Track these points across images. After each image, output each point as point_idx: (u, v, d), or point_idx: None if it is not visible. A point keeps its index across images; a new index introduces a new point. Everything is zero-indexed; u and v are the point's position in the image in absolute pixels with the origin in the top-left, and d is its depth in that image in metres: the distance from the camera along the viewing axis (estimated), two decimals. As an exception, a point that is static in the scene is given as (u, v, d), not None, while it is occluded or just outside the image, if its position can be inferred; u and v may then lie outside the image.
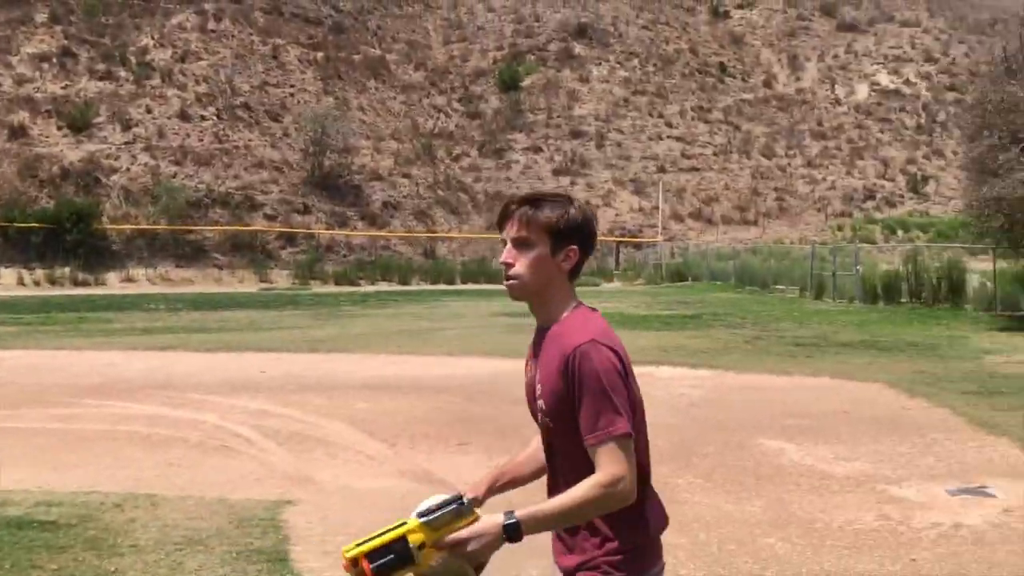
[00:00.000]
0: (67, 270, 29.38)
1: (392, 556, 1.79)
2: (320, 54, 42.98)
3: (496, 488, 2.19)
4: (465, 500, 1.88)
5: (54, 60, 36.31)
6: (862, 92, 50.23)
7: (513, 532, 1.82)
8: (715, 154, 44.46)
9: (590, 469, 1.88)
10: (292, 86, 40.36)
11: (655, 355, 11.65)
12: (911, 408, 8.46)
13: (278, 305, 22.15)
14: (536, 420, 2.06)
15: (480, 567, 1.88)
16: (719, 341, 13.75)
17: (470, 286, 31.77)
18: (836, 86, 50.55)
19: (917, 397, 8.92)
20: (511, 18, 51.18)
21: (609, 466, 1.83)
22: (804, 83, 50.92)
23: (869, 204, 42.59)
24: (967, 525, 4.93)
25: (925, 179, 43.94)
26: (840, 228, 39.87)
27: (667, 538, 5.10)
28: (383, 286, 31.49)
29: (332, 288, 30.24)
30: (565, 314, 2.00)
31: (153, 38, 38.95)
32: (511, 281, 2.02)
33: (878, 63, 52.23)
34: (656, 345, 12.86)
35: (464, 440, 7.01)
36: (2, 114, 33.22)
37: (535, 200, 2.03)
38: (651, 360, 10.91)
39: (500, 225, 2.05)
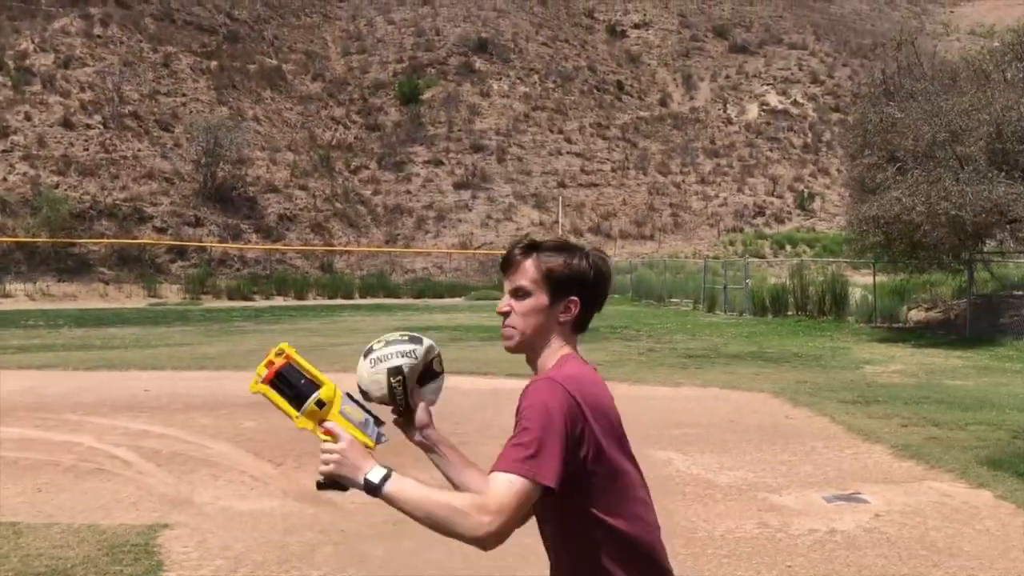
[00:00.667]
0: (-62, 285, 27.78)
1: (295, 387, 1.77)
2: (214, 63, 41.95)
3: (435, 446, 1.98)
4: (383, 430, 1.83)
5: (-75, 63, 34.45)
6: (752, 112, 52.06)
7: (371, 488, 1.70)
8: (613, 170, 45.30)
9: (580, 535, 1.75)
10: (184, 95, 39.25)
11: (550, 368, 11.68)
12: (794, 417, 8.73)
13: (167, 321, 21.42)
14: None
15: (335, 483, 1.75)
16: (614, 353, 13.94)
17: (368, 300, 31.41)
18: (728, 106, 52.25)
19: (800, 406, 9.22)
20: (411, 31, 51.11)
21: (489, 495, 1.64)
22: (698, 102, 52.45)
23: (759, 220, 44.08)
24: (841, 531, 5.09)
25: (811, 196, 45.79)
26: (732, 243, 41.14)
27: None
28: (278, 301, 30.84)
29: (225, 303, 29.43)
30: (551, 366, 1.85)
31: (33, 42, 37.30)
32: (505, 330, 1.89)
33: (767, 84, 54.26)
34: (552, 358, 12.92)
35: (353, 457, 6.88)
36: None
37: (536, 247, 1.90)
38: (546, 373, 10.96)
39: (503, 271, 1.92)
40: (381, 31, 51.29)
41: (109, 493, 5.90)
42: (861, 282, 21.31)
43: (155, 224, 32.99)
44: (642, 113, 50.41)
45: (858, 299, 19.85)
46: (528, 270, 1.87)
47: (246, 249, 34.07)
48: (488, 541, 1.63)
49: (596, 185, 43.91)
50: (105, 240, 31.29)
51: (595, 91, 50.86)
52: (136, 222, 32.64)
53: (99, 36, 39.36)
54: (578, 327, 1.90)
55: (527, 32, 52.96)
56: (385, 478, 1.69)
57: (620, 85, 52.23)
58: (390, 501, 1.69)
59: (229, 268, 33.08)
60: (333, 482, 1.74)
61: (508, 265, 1.91)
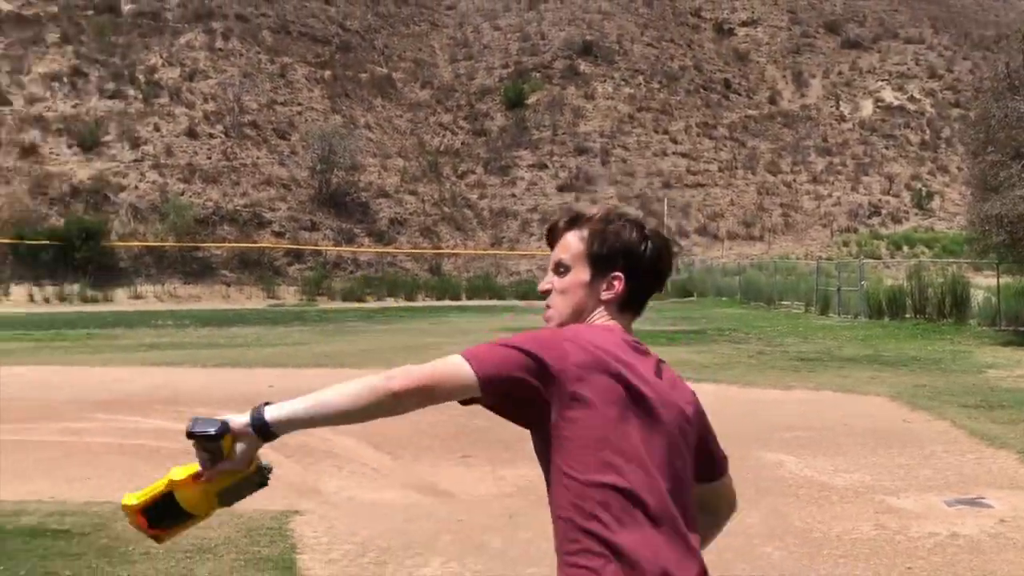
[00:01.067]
0: (76, 287, 29.59)
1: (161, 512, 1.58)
2: (327, 72, 43.34)
3: None
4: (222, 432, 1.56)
5: (64, 79, 36.69)
6: (867, 108, 50.41)
7: (256, 418, 1.55)
8: (720, 170, 44.64)
9: (564, 500, 1.57)
10: (300, 104, 40.69)
11: (659, 370, 11.71)
12: (912, 421, 8.53)
13: (285, 321, 22.28)
14: None
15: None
16: (723, 356, 13.82)
17: (475, 302, 31.88)
18: (841, 103, 50.76)
19: (918, 410, 8.98)
20: (516, 36, 51.56)
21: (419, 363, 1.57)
22: (809, 100, 51.14)
23: (874, 220, 42.67)
24: (963, 535, 5.00)
25: (930, 195, 44.03)
26: (845, 244, 39.96)
27: (665, 546, 5.11)
28: (389, 302, 31.63)
29: (339, 304, 30.39)
30: None
31: (162, 57, 39.33)
32: (546, 312, 1.75)
33: (883, 80, 52.44)
34: (660, 360, 12.94)
35: (467, 452, 7.10)
36: (14, 133, 33.58)
37: (577, 218, 1.76)
38: (655, 375, 11.01)
39: (548, 244, 1.80)
40: (487, 37, 51.94)
41: (243, 481, 6.27)
42: (984, 284, 20.45)
43: (273, 229, 34.37)
44: (750, 112, 49.49)
45: (980, 301, 19.06)
46: (569, 243, 1.73)
47: (359, 252, 35.10)
48: (387, 387, 1.52)
49: (703, 185, 43.36)
50: (227, 244, 32.79)
51: (701, 90, 50.22)
52: (256, 227, 34.07)
53: (220, 49, 41.22)
54: (627, 307, 1.72)
55: (632, 33, 52.71)
56: (260, 414, 1.54)
57: (727, 84, 51.41)
58: (282, 421, 1.53)
59: (343, 271, 34.17)
60: (233, 490, 1.61)
61: (552, 237, 1.78)
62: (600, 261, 1.70)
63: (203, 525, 5.05)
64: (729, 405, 9.59)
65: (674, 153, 44.91)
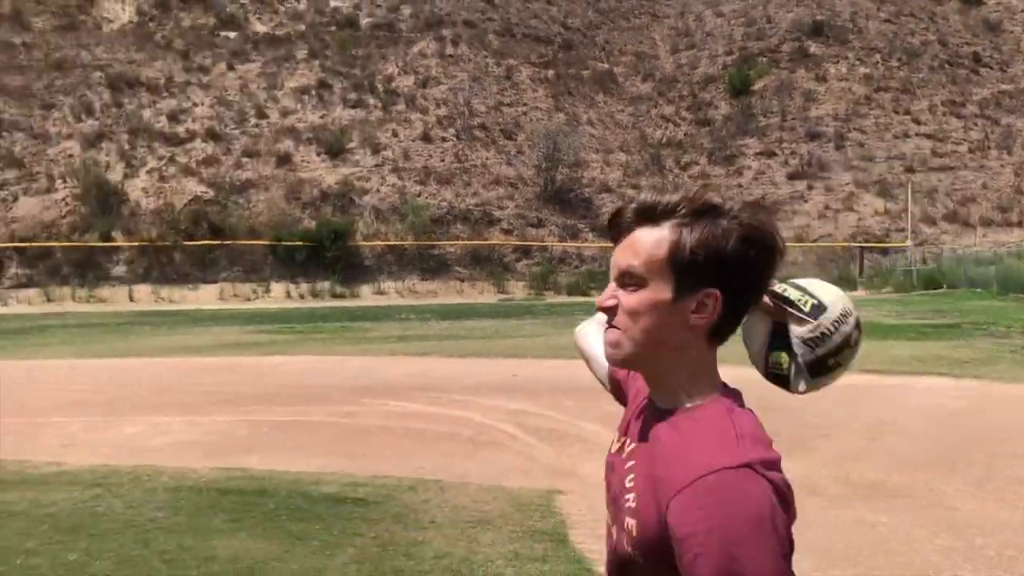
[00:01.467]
0: (326, 284, 32.13)
1: None
2: (551, 72, 44.22)
3: None
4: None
5: (313, 92, 39.85)
6: None
7: None
8: (971, 151, 41.22)
9: None
10: (525, 104, 41.81)
11: (911, 365, 11.17)
12: None
13: (517, 314, 23.06)
14: (610, 532, 1.28)
15: None
16: (982, 351, 12.88)
17: (703, 295, 31.44)
18: (1115, 70, 45.39)
19: None
20: (741, 21, 50.18)
21: None
22: (1075, 69, 46.12)
23: None
24: None
25: None
26: (1123, 227, 35.76)
27: (941, 540, 5.01)
28: (614, 296, 31.89)
29: (564, 298, 31.03)
30: (698, 401, 1.22)
31: (397, 66, 41.76)
32: (609, 333, 1.25)
33: None
34: (911, 355, 12.28)
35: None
36: (270, 144, 36.90)
37: (652, 208, 1.23)
38: (908, 371, 10.53)
39: (612, 239, 1.28)
40: (710, 24, 50.92)
41: (503, 462, 6.67)
42: None
43: (502, 226, 35.63)
44: (1005, 86, 45.30)
45: None
46: (643, 245, 1.22)
47: (583, 247, 35.63)
48: None
49: (951, 168, 40.24)
50: (460, 242, 34.37)
51: (947, 66, 46.58)
52: (486, 225, 35.48)
53: (450, 56, 43.16)
54: (718, 334, 1.23)
55: (867, 10, 49.78)
56: None
57: (977, 57, 47.35)
58: None
59: (568, 266, 34.84)
60: None
61: (615, 232, 1.26)
62: (690, 273, 1.19)
63: (478, 499, 5.45)
64: (995, 402, 8.99)
65: (917, 135, 41.99)
